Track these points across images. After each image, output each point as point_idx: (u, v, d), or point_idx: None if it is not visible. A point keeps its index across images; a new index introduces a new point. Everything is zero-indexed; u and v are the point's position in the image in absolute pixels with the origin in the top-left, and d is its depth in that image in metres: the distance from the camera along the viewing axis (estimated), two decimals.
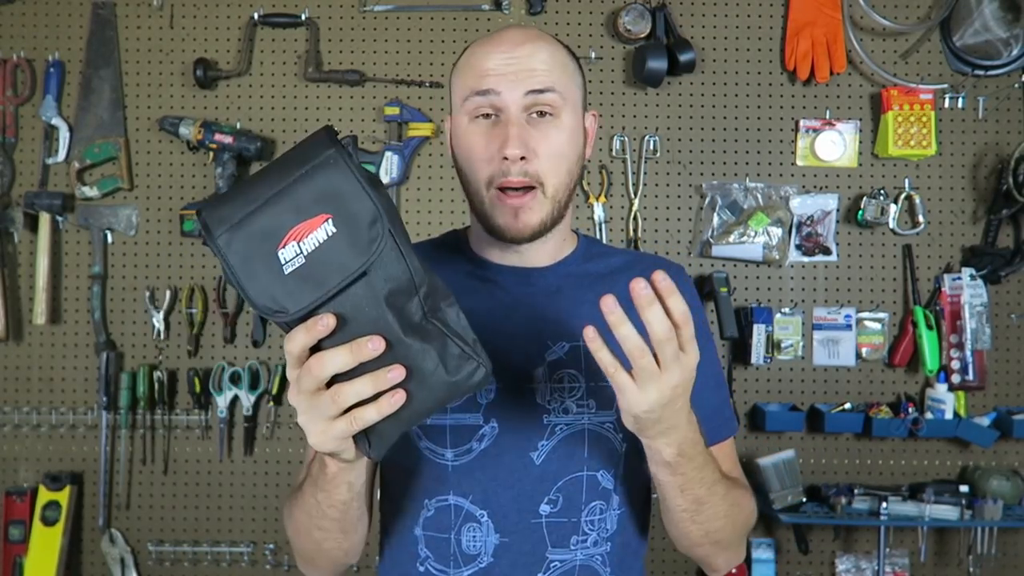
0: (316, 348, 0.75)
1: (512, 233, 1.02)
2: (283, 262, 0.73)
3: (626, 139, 2.21)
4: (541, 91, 1.00)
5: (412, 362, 0.75)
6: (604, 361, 0.80)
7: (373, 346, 0.73)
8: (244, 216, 0.74)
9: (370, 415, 0.75)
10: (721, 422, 1.10)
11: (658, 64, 2.12)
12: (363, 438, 0.79)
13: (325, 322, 0.73)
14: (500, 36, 1.04)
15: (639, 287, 0.77)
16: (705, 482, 0.94)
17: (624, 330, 0.78)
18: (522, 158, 0.99)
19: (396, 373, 0.74)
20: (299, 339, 0.74)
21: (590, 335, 0.80)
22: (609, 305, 0.78)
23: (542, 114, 1.01)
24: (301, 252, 0.73)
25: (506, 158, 0.99)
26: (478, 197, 1.03)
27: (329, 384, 0.75)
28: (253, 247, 0.74)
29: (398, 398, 0.75)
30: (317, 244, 0.73)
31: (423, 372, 0.76)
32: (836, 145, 2.20)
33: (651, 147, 2.21)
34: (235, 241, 0.74)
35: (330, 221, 0.73)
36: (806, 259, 2.21)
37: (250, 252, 0.74)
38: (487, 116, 1.01)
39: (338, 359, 0.73)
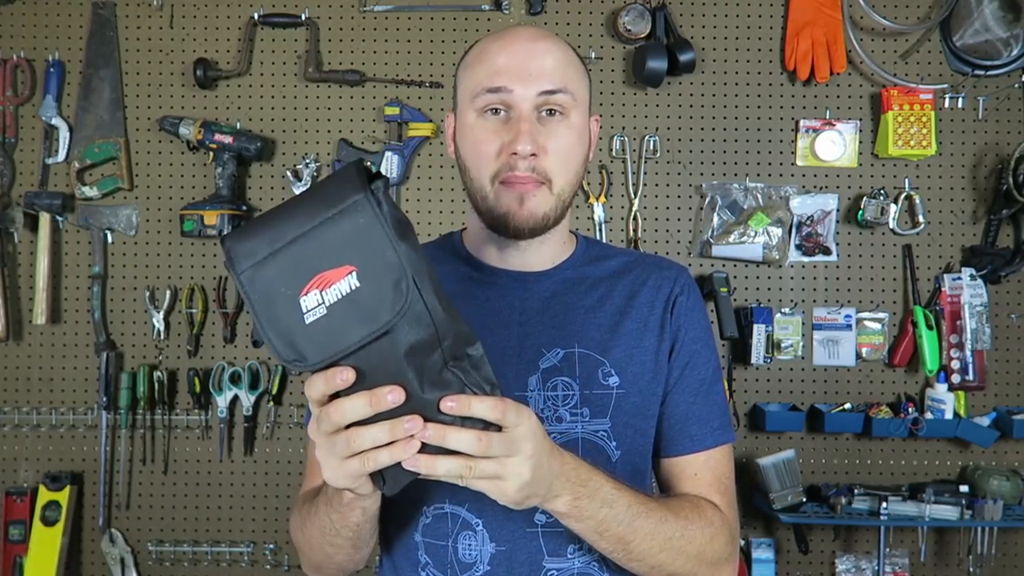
0: (336, 393, 0.76)
1: (516, 221, 1.01)
2: (304, 311, 0.73)
3: (626, 139, 2.21)
4: (553, 91, 1.00)
5: (430, 414, 0.76)
6: (453, 473, 0.77)
7: (392, 398, 0.74)
8: (269, 254, 0.73)
9: (384, 459, 0.75)
10: (706, 431, 1.07)
11: (658, 64, 2.12)
12: (378, 476, 0.79)
13: (343, 376, 0.74)
14: (513, 33, 1.04)
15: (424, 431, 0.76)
16: (620, 520, 0.91)
17: (451, 446, 0.76)
18: (532, 155, 0.99)
19: (412, 423, 0.74)
20: (318, 387, 0.75)
21: (426, 467, 0.77)
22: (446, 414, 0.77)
23: (551, 113, 1.01)
24: (323, 302, 0.72)
25: (515, 153, 0.98)
26: (481, 192, 1.02)
27: (349, 425, 0.76)
28: (276, 289, 0.73)
29: (413, 445, 0.75)
30: (340, 296, 0.72)
31: (440, 422, 0.76)
32: (836, 145, 2.20)
33: (651, 147, 2.21)
34: (258, 280, 0.74)
35: (354, 274, 0.72)
36: (806, 259, 2.21)
37: (273, 294, 0.73)
38: (496, 112, 1.01)
39: (358, 409, 0.74)
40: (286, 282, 0.73)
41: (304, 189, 0.79)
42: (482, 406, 0.76)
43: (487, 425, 0.77)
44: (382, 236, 0.73)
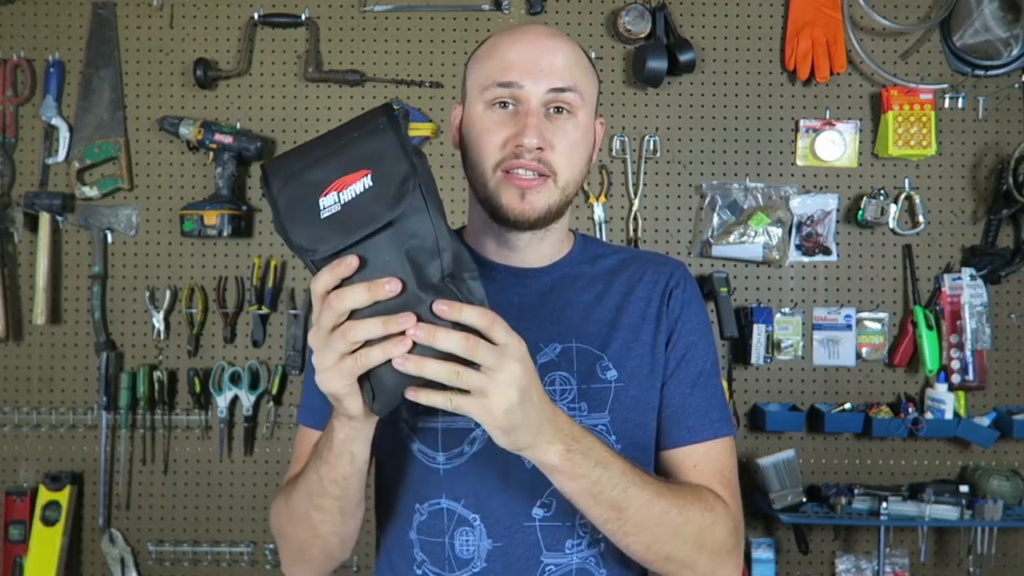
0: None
1: (516, 214, 1.01)
2: (322, 208, 0.79)
3: (626, 139, 2.21)
4: (562, 89, 1.01)
5: (424, 316, 0.78)
6: (436, 402, 0.79)
7: (390, 287, 0.77)
8: (298, 170, 0.81)
9: (376, 355, 0.77)
10: (704, 422, 1.06)
11: (658, 64, 2.12)
12: (368, 388, 0.81)
13: (348, 262, 0.78)
14: (526, 30, 1.05)
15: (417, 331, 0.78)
16: (615, 484, 0.89)
17: (439, 346, 0.77)
18: (539, 148, 1.00)
19: (405, 319, 0.77)
20: (324, 279, 0.78)
21: (411, 394, 0.80)
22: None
23: (559, 110, 1.02)
24: (339, 201, 0.79)
25: (521, 145, 0.99)
26: (482, 180, 1.03)
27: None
28: (300, 195, 0.80)
29: (405, 344, 0.77)
30: (354, 195, 0.79)
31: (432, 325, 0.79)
32: (836, 145, 2.20)
33: (651, 147, 2.21)
34: (286, 190, 0.81)
35: (369, 176, 0.79)
36: (806, 259, 2.21)
37: (296, 199, 0.81)
38: (504, 106, 1.02)
39: (356, 295, 0.77)
40: (310, 189, 0.80)
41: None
42: (472, 313, 0.78)
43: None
44: (397, 148, 0.81)
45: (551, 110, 1.02)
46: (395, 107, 0.86)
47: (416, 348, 0.77)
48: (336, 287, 0.78)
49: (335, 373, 0.79)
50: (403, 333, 0.77)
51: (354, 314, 0.78)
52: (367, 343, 0.78)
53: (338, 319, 0.78)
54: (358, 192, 0.79)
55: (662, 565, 0.96)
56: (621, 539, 0.93)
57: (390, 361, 0.78)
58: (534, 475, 1.00)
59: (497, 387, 0.78)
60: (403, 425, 1.05)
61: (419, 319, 0.77)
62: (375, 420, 0.88)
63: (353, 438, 0.88)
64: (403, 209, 0.79)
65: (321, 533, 0.99)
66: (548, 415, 0.85)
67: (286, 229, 0.80)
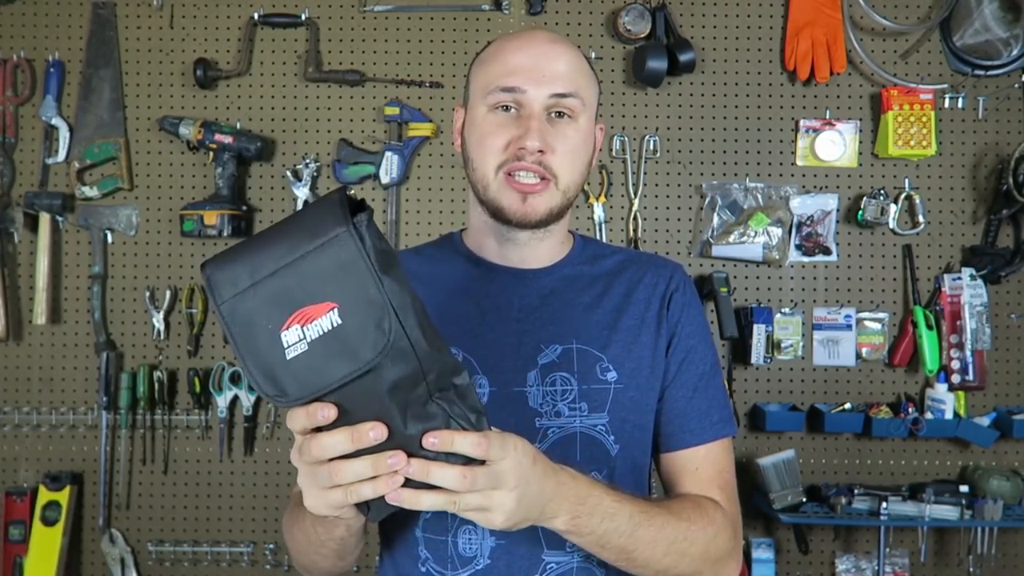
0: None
1: (519, 216, 1.03)
2: (286, 346, 0.71)
3: (626, 139, 2.21)
4: (564, 94, 1.03)
5: (414, 449, 0.75)
6: (439, 505, 0.77)
7: (374, 435, 0.73)
8: (250, 285, 0.72)
9: (366, 493, 0.76)
10: (704, 424, 1.08)
11: (658, 64, 2.12)
12: (363, 504, 0.79)
13: (324, 413, 0.73)
14: (530, 35, 1.07)
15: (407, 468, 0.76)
16: (622, 532, 0.91)
17: (435, 482, 0.76)
18: (540, 151, 1.01)
19: (396, 460, 0.74)
20: (299, 420, 0.75)
21: (410, 501, 0.77)
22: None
23: (560, 115, 1.04)
24: (304, 338, 0.71)
25: (523, 148, 1.00)
26: (484, 182, 1.04)
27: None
28: (256, 322, 0.72)
29: (396, 480, 0.75)
30: (321, 332, 0.71)
31: (424, 457, 0.76)
32: (836, 145, 2.20)
33: (651, 147, 2.21)
34: (239, 311, 0.73)
35: (336, 311, 0.71)
36: (806, 259, 2.21)
37: (253, 327, 0.72)
38: (507, 109, 1.03)
39: (339, 445, 0.74)
40: (267, 316, 0.72)
41: (286, 217, 0.78)
42: (465, 442, 0.75)
43: (471, 459, 0.76)
44: (364, 272, 0.71)
45: (553, 114, 1.03)
46: (352, 195, 0.76)
47: (409, 480, 0.75)
48: (316, 428, 0.75)
49: (323, 503, 0.78)
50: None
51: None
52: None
53: (319, 461, 0.75)
54: (326, 329, 0.71)
55: None
56: (631, 571, 0.96)
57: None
58: None
59: (495, 503, 0.79)
60: None
61: (409, 454, 0.74)
62: None
63: (347, 517, 0.87)
64: (382, 353, 0.71)
65: (321, 568, 1.03)
66: (550, 494, 0.85)
67: (250, 371, 0.73)
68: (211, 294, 0.74)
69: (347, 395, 0.73)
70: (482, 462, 0.77)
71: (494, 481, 0.77)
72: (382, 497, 0.76)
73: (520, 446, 0.81)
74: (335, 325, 0.71)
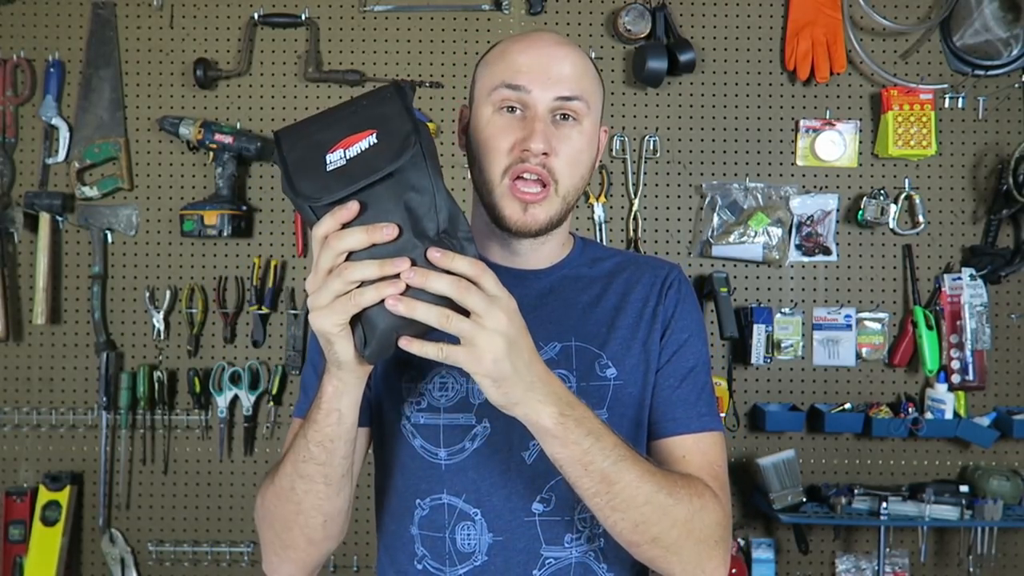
0: None
1: (518, 226, 1.04)
2: (328, 163, 0.83)
3: (626, 139, 2.21)
4: (569, 97, 1.03)
5: (418, 262, 0.81)
6: (429, 352, 0.82)
7: (388, 231, 0.80)
8: (308, 134, 0.86)
9: (369, 295, 0.80)
10: (692, 414, 1.06)
11: (658, 64, 2.12)
12: (360, 332, 0.83)
13: (349, 207, 0.81)
14: (536, 37, 1.08)
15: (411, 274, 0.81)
16: (607, 455, 0.89)
17: (431, 288, 0.80)
18: (544, 154, 1.01)
19: (400, 262, 0.79)
20: (326, 223, 0.81)
21: (404, 343, 0.83)
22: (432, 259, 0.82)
23: (565, 117, 1.04)
24: (345, 156, 0.83)
25: (527, 150, 1.01)
26: (488, 186, 1.04)
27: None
28: (308, 153, 0.85)
29: (398, 286, 0.79)
30: (359, 151, 0.83)
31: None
32: (836, 145, 2.20)
33: (651, 147, 2.21)
34: (295, 151, 0.86)
35: (374, 135, 0.84)
36: (806, 259, 2.21)
37: (304, 155, 0.85)
38: (512, 110, 1.04)
39: (355, 236, 0.80)
40: (318, 147, 0.85)
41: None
42: (464, 263, 0.81)
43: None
44: (402, 111, 0.86)
45: (557, 117, 1.04)
46: (402, 84, 0.91)
47: (408, 292, 0.80)
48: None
49: (329, 311, 0.81)
50: (397, 276, 0.79)
51: (351, 257, 0.81)
52: (362, 284, 0.80)
53: (336, 260, 0.80)
54: (363, 148, 0.83)
55: (649, 549, 0.95)
56: (609, 515, 0.92)
57: (382, 304, 0.80)
58: (534, 470, 1.02)
59: (485, 334, 0.80)
60: (405, 422, 1.06)
61: (413, 264, 0.80)
62: (365, 373, 0.89)
63: (342, 392, 0.89)
64: (404, 162, 0.82)
65: (304, 508, 0.96)
66: (540, 375, 0.86)
67: (292, 181, 0.84)
68: (277, 146, 0.87)
69: (370, 197, 0.82)
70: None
71: (486, 306, 0.80)
72: (380, 319, 0.81)
73: (514, 301, 0.84)
74: (371, 144, 0.84)
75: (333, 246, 0.80)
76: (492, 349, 0.81)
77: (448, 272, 0.80)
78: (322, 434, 0.91)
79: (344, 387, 0.89)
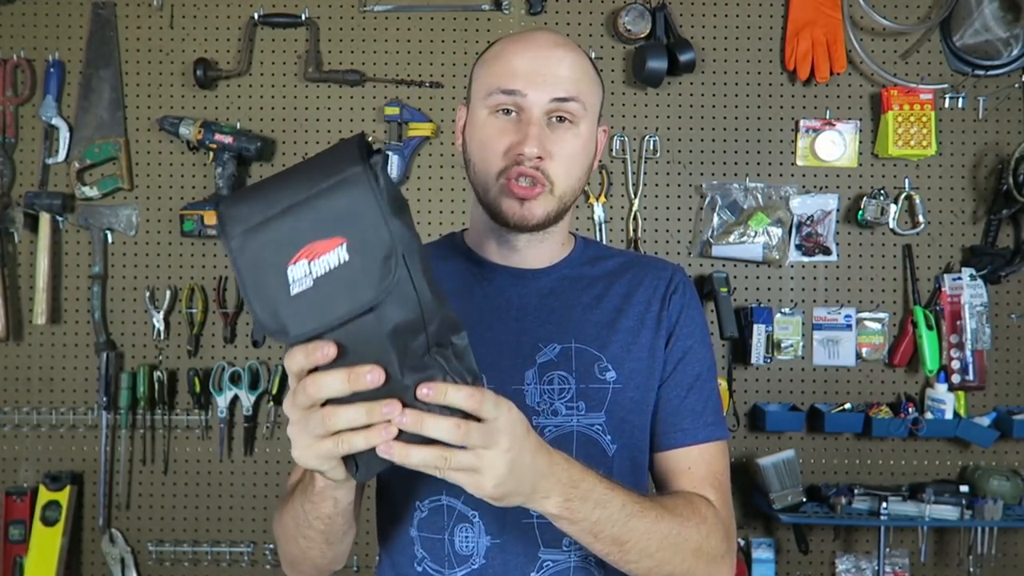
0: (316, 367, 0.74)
1: (516, 220, 1.03)
2: (291, 281, 0.71)
3: (626, 139, 2.21)
4: (565, 99, 1.02)
5: (409, 400, 0.74)
6: (427, 465, 0.75)
7: (371, 378, 0.71)
8: (262, 221, 0.72)
9: (358, 443, 0.73)
10: (698, 424, 1.07)
11: (658, 64, 2.12)
12: (351, 461, 0.78)
13: (324, 351, 0.72)
14: (533, 37, 1.06)
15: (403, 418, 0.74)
16: (615, 521, 0.89)
17: (427, 433, 0.74)
18: (538, 157, 1.01)
19: (390, 408, 0.72)
20: (298, 359, 0.73)
21: (398, 454, 0.74)
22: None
23: (561, 119, 1.03)
24: (310, 274, 0.71)
25: (522, 154, 1.00)
26: (484, 187, 1.04)
27: (325, 403, 0.74)
28: (265, 256, 0.72)
29: (389, 431, 0.73)
30: (327, 269, 0.71)
31: (417, 409, 0.75)
32: (836, 145, 2.20)
33: (651, 147, 2.21)
34: (248, 246, 0.72)
35: (344, 246, 0.71)
36: (806, 259, 2.21)
37: (261, 261, 0.72)
38: (507, 113, 1.03)
39: (335, 384, 0.72)
40: (275, 251, 0.71)
41: (301, 160, 0.79)
42: (458, 395, 0.74)
43: (465, 416, 0.75)
44: (376, 211, 0.71)
45: (553, 119, 1.03)
46: (370, 142, 0.76)
47: (401, 436, 0.73)
48: (313, 369, 0.73)
49: (312, 454, 0.75)
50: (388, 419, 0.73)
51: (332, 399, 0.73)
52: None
53: (313, 403, 0.73)
54: (332, 266, 0.70)
55: None
56: (624, 566, 0.94)
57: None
58: None
59: (486, 464, 0.77)
60: None
61: (403, 403, 0.73)
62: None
63: (335, 488, 0.87)
64: (385, 290, 0.71)
65: (308, 556, 0.99)
66: (543, 471, 0.83)
67: (250, 300, 0.72)
68: (222, 230, 0.73)
69: (348, 335, 0.72)
70: (477, 421, 0.75)
71: (487, 438, 0.75)
72: (371, 453, 0.74)
73: (515, 409, 0.79)
74: (342, 261, 0.70)
75: (310, 393, 0.72)
76: (494, 474, 0.77)
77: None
78: (319, 512, 0.91)
79: (338, 485, 0.86)
